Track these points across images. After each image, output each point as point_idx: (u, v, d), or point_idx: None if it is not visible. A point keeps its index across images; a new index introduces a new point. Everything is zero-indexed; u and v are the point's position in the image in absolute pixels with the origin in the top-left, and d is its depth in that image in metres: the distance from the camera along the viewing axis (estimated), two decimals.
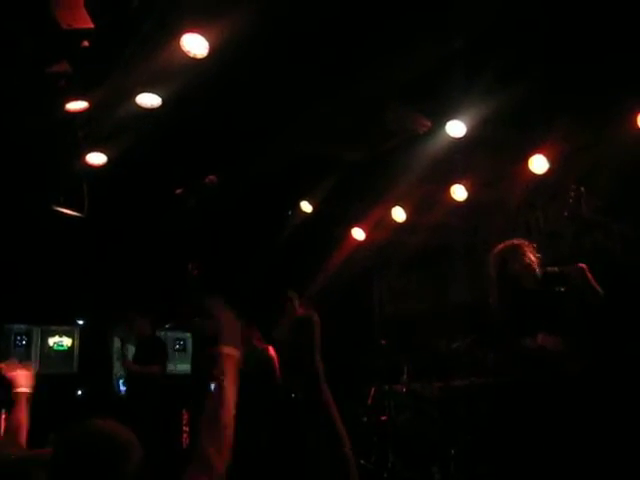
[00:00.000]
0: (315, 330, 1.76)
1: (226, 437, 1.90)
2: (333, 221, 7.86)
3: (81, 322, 8.66)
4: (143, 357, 7.10)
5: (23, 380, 3.34)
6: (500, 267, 4.58)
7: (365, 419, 6.40)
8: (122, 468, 1.70)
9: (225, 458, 1.87)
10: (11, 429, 3.17)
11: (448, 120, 5.82)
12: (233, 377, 2.04)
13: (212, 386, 2.01)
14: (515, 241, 4.70)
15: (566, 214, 4.29)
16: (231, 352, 2.06)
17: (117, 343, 8.14)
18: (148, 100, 5.41)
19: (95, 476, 1.68)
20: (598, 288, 4.21)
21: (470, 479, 5.35)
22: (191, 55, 4.65)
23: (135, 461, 1.74)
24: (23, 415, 3.23)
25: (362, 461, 6.00)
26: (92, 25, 3.99)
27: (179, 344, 9.17)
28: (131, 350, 7.33)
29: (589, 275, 4.21)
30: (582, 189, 4.26)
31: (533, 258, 4.53)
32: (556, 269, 4.46)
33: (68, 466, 1.70)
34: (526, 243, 4.65)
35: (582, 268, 4.21)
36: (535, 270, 4.49)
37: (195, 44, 4.59)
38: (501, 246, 4.70)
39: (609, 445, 4.16)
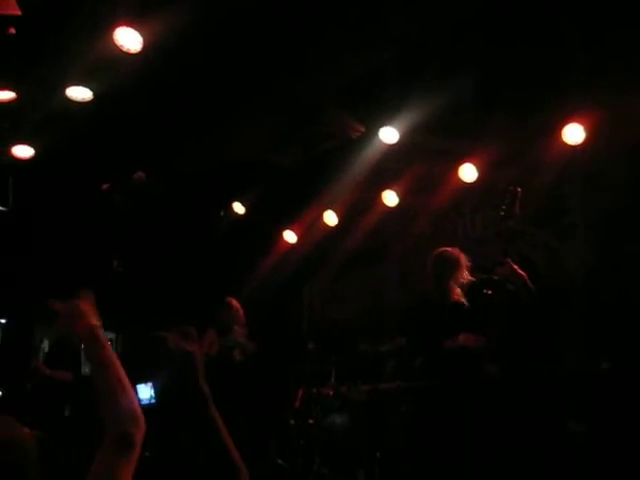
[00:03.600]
0: (194, 361, 1.76)
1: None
2: (265, 223, 7.82)
3: (3, 320, 8.38)
4: (54, 359, 6.82)
5: None
6: (436, 277, 4.67)
7: (292, 422, 6.39)
8: (19, 471, 1.58)
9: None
10: None
11: (381, 126, 5.89)
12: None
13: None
14: (453, 252, 4.75)
15: (502, 213, 4.31)
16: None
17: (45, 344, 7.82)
18: (79, 93, 5.29)
19: None
20: (526, 280, 4.29)
21: None
22: (124, 49, 4.57)
23: (32, 461, 1.63)
24: None
25: (279, 461, 6.00)
26: (19, 12, 3.88)
27: None
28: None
29: (514, 266, 4.28)
30: (519, 189, 4.29)
31: (466, 271, 4.62)
32: (483, 276, 4.56)
33: None
34: (461, 256, 4.72)
35: (506, 261, 4.28)
36: (465, 281, 4.60)
37: (129, 39, 4.52)
38: (438, 255, 4.75)
39: (523, 444, 4.29)
